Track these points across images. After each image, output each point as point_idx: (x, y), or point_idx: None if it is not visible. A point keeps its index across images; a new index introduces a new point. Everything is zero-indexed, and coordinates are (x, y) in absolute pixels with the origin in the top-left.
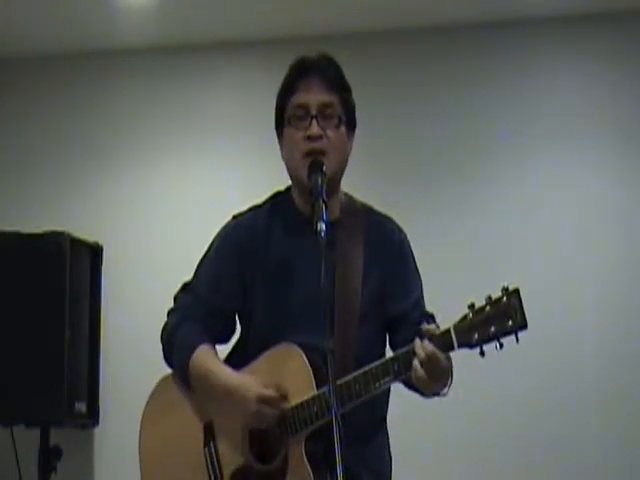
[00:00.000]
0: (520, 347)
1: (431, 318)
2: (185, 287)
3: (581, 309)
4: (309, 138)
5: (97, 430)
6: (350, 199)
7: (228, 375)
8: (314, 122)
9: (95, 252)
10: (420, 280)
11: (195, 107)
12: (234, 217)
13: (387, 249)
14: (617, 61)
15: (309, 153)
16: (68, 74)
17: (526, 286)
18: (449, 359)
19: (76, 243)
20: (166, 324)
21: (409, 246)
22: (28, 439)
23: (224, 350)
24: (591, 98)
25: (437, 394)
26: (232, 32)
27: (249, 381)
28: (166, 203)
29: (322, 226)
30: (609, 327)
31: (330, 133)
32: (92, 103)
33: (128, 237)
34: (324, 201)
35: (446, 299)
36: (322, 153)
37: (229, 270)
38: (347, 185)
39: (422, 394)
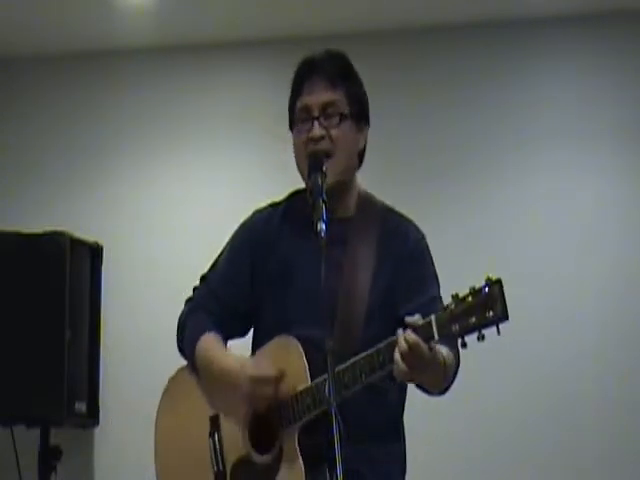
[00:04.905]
0: (519, 346)
1: None
2: (203, 279)
3: (581, 308)
4: (311, 140)
5: (97, 430)
6: (369, 197)
7: (227, 359)
8: (315, 124)
9: (95, 252)
10: (437, 283)
11: (195, 107)
12: (255, 212)
13: (401, 249)
14: (617, 61)
15: (311, 155)
16: (68, 74)
17: (526, 285)
18: (457, 356)
19: (76, 243)
20: (181, 312)
21: (427, 248)
22: (28, 439)
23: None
24: (591, 98)
25: (443, 391)
26: (232, 32)
27: (245, 363)
28: (166, 203)
29: (322, 226)
30: (609, 326)
31: (333, 132)
32: (92, 103)
33: (128, 237)
34: (324, 201)
35: (444, 297)
36: (327, 154)
37: (242, 261)
38: None
39: (427, 392)
